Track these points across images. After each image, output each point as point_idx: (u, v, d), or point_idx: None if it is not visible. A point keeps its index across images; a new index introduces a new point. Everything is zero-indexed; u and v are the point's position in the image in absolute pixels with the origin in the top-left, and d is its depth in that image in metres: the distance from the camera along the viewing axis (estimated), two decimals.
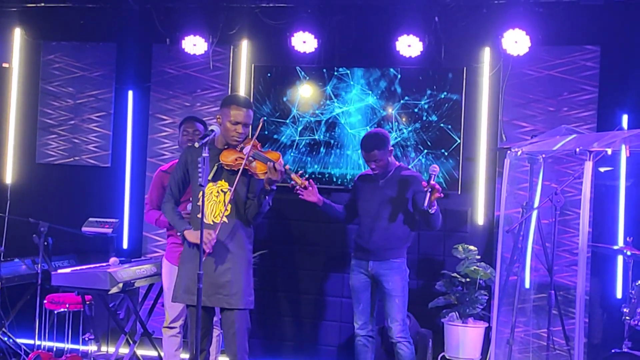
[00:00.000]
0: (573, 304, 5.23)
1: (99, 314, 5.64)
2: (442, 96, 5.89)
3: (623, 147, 4.36)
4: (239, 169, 3.98)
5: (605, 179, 5.49)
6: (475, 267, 5.47)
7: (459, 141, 5.87)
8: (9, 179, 6.65)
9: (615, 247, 5.13)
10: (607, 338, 5.48)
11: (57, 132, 6.61)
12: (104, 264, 5.14)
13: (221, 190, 4.07)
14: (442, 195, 4.47)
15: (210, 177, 3.98)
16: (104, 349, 5.91)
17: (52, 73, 6.62)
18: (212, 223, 4.01)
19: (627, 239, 5.02)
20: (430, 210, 4.50)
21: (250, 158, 4.02)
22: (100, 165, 6.53)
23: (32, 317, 5.51)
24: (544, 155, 5.23)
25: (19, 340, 5.87)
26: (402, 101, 5.97)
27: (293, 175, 4.15)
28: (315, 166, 6.12)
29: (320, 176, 6.09)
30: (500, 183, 5.27)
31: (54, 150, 6.62)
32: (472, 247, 5.59)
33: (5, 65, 6.72)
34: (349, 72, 6.05)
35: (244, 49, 6.28)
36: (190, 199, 4.25)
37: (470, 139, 5.90)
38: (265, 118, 6.16)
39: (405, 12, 5.78)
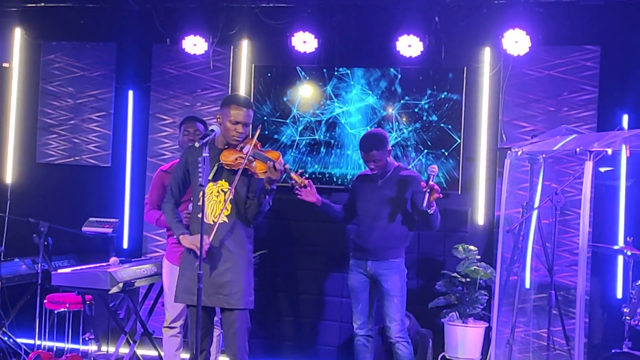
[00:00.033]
0: (573, 304, 5.23)
1: (99, 313, 5.64)
2: (443, 96, 5.90)
3: (623, 147, 4.37)
4: (239, 169, 3.98)
5: (605, 179, 5.49)
6: (475, 267, 5.47)
7: (459, 141, 5.87)
8: (9, 179, 6.65)
9: (616, 247, 5.13)
10: (608, 338, 5.48)
11: (57, 131, 6.61)
12: (104, 264, 5.14)
13: (221, 190, 4.07)
14: (441, 195, 4.48)
15: (210, 177, 3.98)
16: (104, 348, 5.91)
17: (52, 73, 6.62)
18: (212, 223, 4.01)
19: (628, 239, 5.02)
20: (429, 211, 4.50)
21: (251, 158, 4.02)
22: (100, 165, 6.53)
23: (32, 317, 5.51)
24: (544, 155, 5.23)
25: (19, 340, 5.87)
26: (402, 101, 5.97)
27: (292, 174, 4.15)
28: (316, 166, 6.12)
29: (320, 176, 6.09)
30: (501, 183, 5.27)
31: (54, 150, 6.62)
32: (472, 247, 5.59)
33: (5, 65, 6.72)
34: (349, 72, 6.05)
35: (244, 49, 6.28)
36: (192, 198, 4.25)
37: (470, 139, 5.90)
38: (266, 118, 6.17)
39: (406, 12, 5.78)
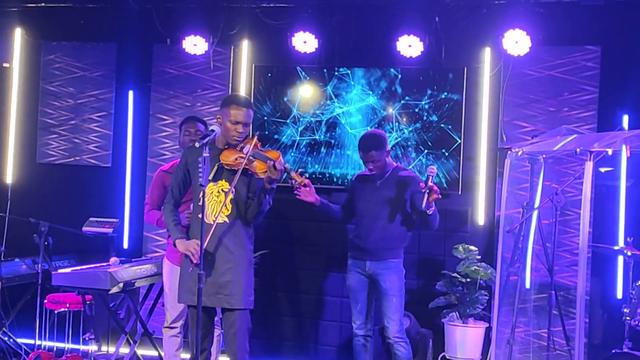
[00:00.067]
0: (573, 304, 5.23)
1: (100, 313, 5.64)
2: (443, 96, 5.90)
3: (623, 147, 4.37)
4: (239, 169, 3.98)
5: (605, 179, 5.49)
6: (475, 267, 5.47)
7: (459, 141, 5.87)
8: (9, 179, 6.65)
9: (616, 248, 5.13)
10: (608, 338, 5.48)
11: (57, 132, 6.61)
12: (105, 264, 5.14)
13: (222, 190, 4.07)
14: (440, 196, 4.48)
15: (210, 177, 3.98)
16: (104, 348, 5.92)
17: (53, 73, 6.62)
18: (212, 223, 4.01)
19: (628, 239, 5.01)
20: (428, 212, 4.51)
21: (251, 157, 4.02)
22: (100, 165, 6.54)
23: (33, 317, 5.50)
24: (544, 156, 5.23)
25: (20, 340, 5.87)
26: (402, 101, 5.97)
27: (292, 174, 4.16)
28: (316, 166, 6.12)
29: (320, 176, 6.09)
30: (501, 183, 5.27)
31: (55, 150, 6.62)
32: (472, 247, 5.59)
33: (5, 65, 6.72)
34: (349, 72, 6.05)
35: (245, 49, 6.28)
36: (192, 199, 4.25)
37: (470, 139, 5.90)
38: (266, 118, 6.17)
39: (406, 12, 5.78)
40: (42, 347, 5.68)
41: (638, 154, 4.60)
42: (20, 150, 6.69)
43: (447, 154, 5.88)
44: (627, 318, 4.79)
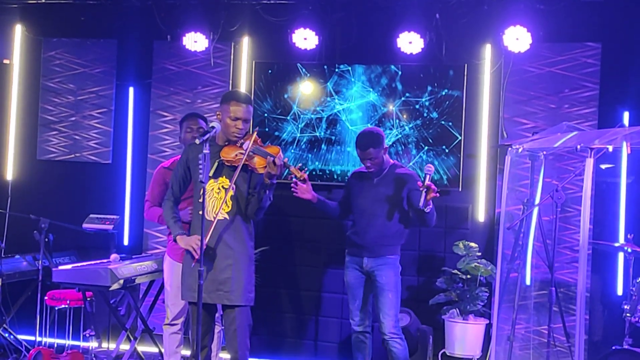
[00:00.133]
0: (574, 300, 5.23)
1: (100, 310, 5.66)
2: (443, 93, 5.89)
3: (624, 144, 4.37)
4: (239, 165, 3.98)
5: (606, 176, 5.49)
6: (476, 263, 5.48)
7: (460, 138, 5.87)
8: (9, 176, 6.65)
9: (616, 244, 5.15)
10: (608, 335, 5.48)
11: (57, 128, 6.61)
12: (105, 261, 5.15)
13: (222, 186, 4.07)
14: (437, 194, 4.47)
15: (211, 174, 3.98)
16: (104, 345, 5.93)
17: (53, 69, 6.62)
18: (212, 219, 4.01)
19: (628, 236, 5.02)
20: (425, 209, 4.50)
21: (251, 153, 4.02)
22: (101, 162, 6.53)
23: (33, 313, 5.50)
24: (545, 152, 5.23)
25: (20, 337, 5.87)
26: (403, 98, 5.97)
27: (292, 168, 4.15)
28: (316, 163, 6.12)
29: (321, 173, 6.09)
30: (501, 180, 5.28)
31: (55, 146, 6.62)
32: (472, 244, 5.60)
33: (6, 61, 6.72)
34: (349, 68, 6.05)
35: (245, 46, 6.27)
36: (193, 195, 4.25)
37: (471, 136, 5.90)
38: (266, 115, 6.17)
39: (406, 9, 5.78)
40: (43, 343, 5.69)
41: (639, 150, 4.60)
42: (21, 146, 6.69)
43: (447, 150, 5.88)
44: (628, 315, 4.80)
